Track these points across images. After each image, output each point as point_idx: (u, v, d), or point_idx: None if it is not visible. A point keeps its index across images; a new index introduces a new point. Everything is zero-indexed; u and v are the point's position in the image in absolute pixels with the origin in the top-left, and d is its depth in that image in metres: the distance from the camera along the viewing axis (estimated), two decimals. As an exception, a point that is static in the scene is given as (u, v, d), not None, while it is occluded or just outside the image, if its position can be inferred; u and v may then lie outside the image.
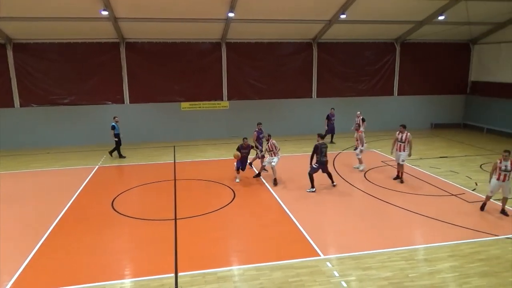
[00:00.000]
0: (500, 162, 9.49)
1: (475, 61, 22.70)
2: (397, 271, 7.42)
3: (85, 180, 13.32)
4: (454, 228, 9.28)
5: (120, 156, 16.46)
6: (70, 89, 18.61)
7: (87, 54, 18.48)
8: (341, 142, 18.53)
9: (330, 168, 12.81)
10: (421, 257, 7.97)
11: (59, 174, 14.26)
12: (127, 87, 19.24)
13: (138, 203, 11.48)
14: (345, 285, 7.00)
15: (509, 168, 9.38)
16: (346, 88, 21.61)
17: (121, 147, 16.47)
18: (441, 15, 17.71)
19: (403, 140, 12.39)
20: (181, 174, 13.96)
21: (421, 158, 15.67)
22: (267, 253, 8.18)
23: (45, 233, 9.16)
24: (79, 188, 12.45)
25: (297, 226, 9.47)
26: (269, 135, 13.09)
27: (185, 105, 19.90)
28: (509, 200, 10.13)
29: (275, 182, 12.61)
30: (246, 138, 13.06)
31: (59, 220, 9.94)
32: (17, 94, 18.19)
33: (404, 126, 12.54)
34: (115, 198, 11.52)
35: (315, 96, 21.40)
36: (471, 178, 13.11)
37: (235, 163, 13.00)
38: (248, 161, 14.10)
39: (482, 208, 10.19)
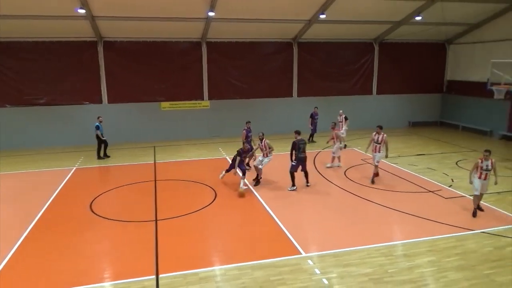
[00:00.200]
0: (482, 162, 9.62)
1: (451, 60, 23.29)
2: (377, 267, 7.54)
3: (62, 182, 13.00)
4: (432, 224, 9.49)
5: (105, 156, 16.21)
6: (46, 89, 18.13)
7: (63, 53, 18.04)
8: (322, 141, 18.68)
9: (310, 166, 12.90)
10: (400, 253, 8.12)
11: (35, 176, 13.89)
12: (105, 87, 18.89)
13: (117, 204, 11.29)
14: (326, 282, 7.07)
15: (490, 167, 9.59)
16: (326, 88, 21.81)
17: (103, 146, 16.17)
18: (417, 15, 18.10)
19: (379, 141, 12.41)
20: (162, 175, 13.81)
21: (399, 156, 15.96)
22: (248, 252, 8.18)
23: (20, 238, 8.89)
24: (55, 191, 12.14)
25: (278, 224, 9.50)
26: (262, 134, 12.66)
27: (165, 104, 19.69)
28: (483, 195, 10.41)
29: (257, 182, 12.56)
30: (245, 142, 12.68)
31: (34, 224, 9.67)
32: (-10, 94, 17.66)
33: (380, 127, 12.55)
34: (93, 200, 11.29)
35: (296, 96, 21.52)
36: (447, 175, 13.43)
37: (234, 168, 12.19)
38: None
39: (475, 214, 9.83)
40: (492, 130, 20.20)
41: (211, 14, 16.10)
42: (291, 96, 21.49)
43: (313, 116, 18.66)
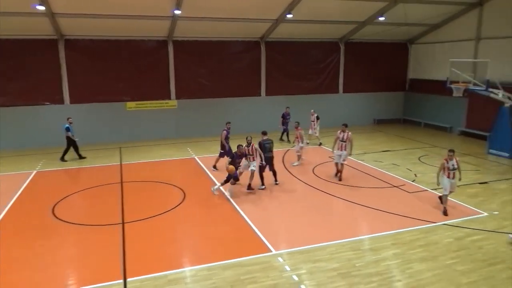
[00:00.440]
0: (447, 162, 9.90)
1: (413, 60, 24.12)
2: (345, 261, 7.69)
3: (21, 187, 12.38)
4: (396, 218, 9.80)
5: (80, 157, 15.75)
6: (2, 89, 17.25)
7: (21, 52, 17.18)
8: (290, 140, 18.85)
9: (279, 165, 12.99)
10: (366, 247, 8.33)
11: (-8, 181, 13.19)
12: (67, 87, 18.20)
13: (82, 208, 10.92)
14: (296, 278, 7.14)
15: (455, 166, 9.92)
16: (294, 86, 22.04)
17: (70, 148, 15.63)
18: (381, 16, 18.64)
19: (344, 139, 12.49)
20: (128, 176, 13.48)
21: (365, 153, 16.36)
22: (218, 252, 8.13)
23: (-23, 245, 8.43)
24: (13, 197, 11.52)
25: (248, 223, 9.50)
26: (250, 138, 11.84)
27: (130, 104, 19.23)
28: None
29: (249, 187, 11.85)
30: (241, 145, 11.53)
31: (-8, 231, 9.19)
32: None
33: (345, 125, 12.63)
34: (56, 204, 10.85)
35: (264, 94, 21.61)
36: (411, 170, 13.90)
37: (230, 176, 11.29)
38: (214, 163, 14.05)
39: (445, 213, 9.93)
40: (452, 126, 21.10)
41: (177, 12, 15.87)
42: (259, 95, 21.56)
43: (284, 116, 18.77)
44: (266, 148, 11.89)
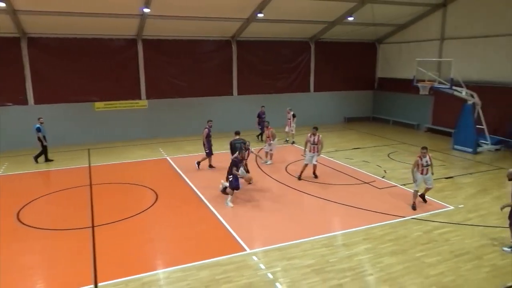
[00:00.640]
0: (421, 159, 10.15)
1: (381, 59, 24.75)
2: (319, 257, 7.79)
3: (-17, 191, 11.85)
4: (368, 213, 10.02)
5: (46, 160, 15.15)
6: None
7: (-20, 50, 16.45)
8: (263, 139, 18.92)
9: (252, 164, 13.01)
10: (339, 243, 8.47)
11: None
12: (30, 87, 17.50)
13: (49, 212, 10.51)
14: (271, 276, 7.17)
15: (429, 162, 10.21)
16: (266, 85, 22.13)
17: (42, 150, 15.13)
18: (349, 16, 19.00)
19: (316, 142, 12.59)
20: (98, 179, 13.11)
21: (336, 150, 16.64)
22: (193, 252, 8.05)
23: None
24: (-24, 201, 11.03)
25: (222, 223, 9.46)
26: (248, 143, 11.75)
27: (99, 105, 18.71)
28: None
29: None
30: (242, 150, 11.26)
31: (-48, 239, 8.72)
32: None
33: (316, 129, 12.75)
34: (20, 209, 10.41)
35: (236, 94, 21.58)
36: (380, 167, 14.26)
37: (232, 181, 10.60)
38: (197, 160, 13.92)
39: (414, 207, 10.20)
40: (419, 123, 21.80)
41: (146, 10, 15.58)
42: (231, 94, 21.51)
43: (260, 115, 18.80)
44: (236, 148, 11.89)
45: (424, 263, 7.60)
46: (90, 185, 12.46)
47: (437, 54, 20.09)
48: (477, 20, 18.12)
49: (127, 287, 6.83)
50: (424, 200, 10.67)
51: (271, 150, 14.70)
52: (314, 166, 12.96)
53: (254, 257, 7.82)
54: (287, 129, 18.03)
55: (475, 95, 16.38)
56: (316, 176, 12.94)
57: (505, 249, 8.07)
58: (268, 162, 14.65)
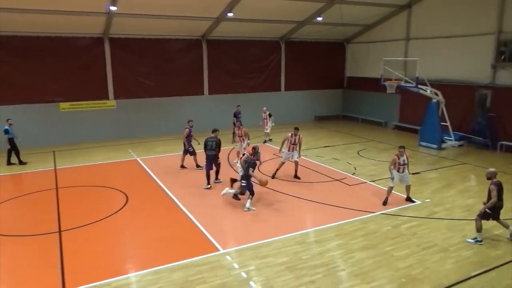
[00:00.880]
0: (398, 158, 10.39)
1: (349, 58, 25.25)
2: (292, 255, 7.85)
3: None
4: (339, 210, 10.19)
5: (8, 163, 14.52)
6: None
7: None
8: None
9: (224, 163, 12.94)
10: (312, 240, 8.57)
11: None
12: (-10, 87, 16.72)
13: (11, 218, 10.04)
14: (245, 275, 7.16)
15: (406, 161, 10.47)
16: (237, 85, 22.10)
17: (13, 152, 14.53)
18: (318, 16, 19.25)
19: (296, 142, 12.68)
20: (64, 182, 12.67)
21: (308, 149, 16.82)
22: (165, 254, 7.92)
23: None
24: None
25: (195, 223, 9.36)
26: (257, 146, 11.03)
27: (64, 105, 18.08)
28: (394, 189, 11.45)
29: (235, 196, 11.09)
30: (258, 153, 10.79)
31: None
32: None
33: (297, 129, 12.85)
34: (-19, 215, 9.93)
35: (207, 93, 21.42)
36: (350, 164, 14.54)
37: (249, 185, 10.27)
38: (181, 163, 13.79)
39: (385, 203, 10.40)
40: (386, 121, 22.40)
41: (113, 8, 15.19)
42: (202, 94, 21.33)
43: (236, 115, 18.68)
44: (207, 146, 11.82)
45: (394, 256, 7.81)
46: (56, 188, 12.02)
47: (403, 53, 20.70)
48: (440, 21, 18.81)
49: (97, 293, 6.65)
50: (411, 201, 10.68)
51: (245, 148, 14.68)
52: (296, 164, 12.87)
53: (228, 257, 7.78)
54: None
55: (439, 93, 16.99)
56: (298, 177, 12.75)
57: (469, 240, 8.41)
58: (235, 161, 14.65)
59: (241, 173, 10.82)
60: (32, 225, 9.39)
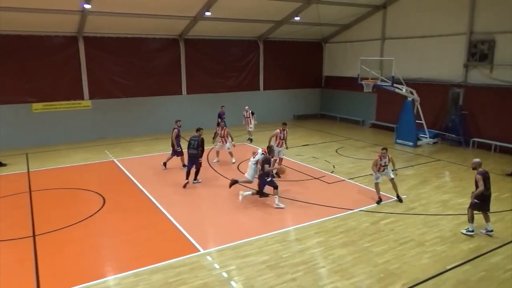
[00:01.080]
0: (381, 159, 10.52)
1: (327, 58, 25.51)
2: (273, 253, 7.87)
3: None
4: (319, 208, 10.28)
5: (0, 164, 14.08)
6: None
7: None
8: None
9: (203, 163, 12.86)
10: (292, 238, 8.61)
11: None
12: (-43, 87, 16.06)
13: (-17, 223, 9.69)
14: (226, 275, 7.12)
15: (387, 163, 10.62)
16: (216, 84, 21.99)
17: None
18: (296, 16, 19.38)
19: (284, 137, 13.07)
20: (38, 184, 12.29)
21: (287, 147, 16.85)
22: (145, 256, 7.79)
23: None
24: None
25: (174, 224, 9.26)
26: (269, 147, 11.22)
27: (37, 106, 17.54)
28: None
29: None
30: (273, 151, 11.08)
31: None
32: None
33: (285, 124, 13.26)
34: (-50, 220, 9.51)
35: (185, 93, 21.22)
36: (329, 162, 14.70)
37: (272, 181, 10.48)
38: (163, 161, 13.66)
39: (379, 202, 10.51)
40: (364, 120, 22.77)
41: (87, 6, 14.83)
42: (180, 93, 21.12)
43: (220, 116, 18.52)
44: (190, 144, 11.79)
45: (372, 252, 7.94)
46: (30, 191, 11.65)
47: (379, 53, 21.08)
48: (414, 22, 19.25)
49: (73, 297, 6.48)
50: (400, 200, 10.74)
51: (228, 148, 14.67)
52: (281, 161, 13.10)
53: (208, 257, 7.73)
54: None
55: (414, 92, 17.39)
56: (278, 176, 12.70)
57: (463, 231, 8.66)
58: (233, 160, 14.66)
59: (250, 173, 10.97)
60: (5, 229, 9.06)
